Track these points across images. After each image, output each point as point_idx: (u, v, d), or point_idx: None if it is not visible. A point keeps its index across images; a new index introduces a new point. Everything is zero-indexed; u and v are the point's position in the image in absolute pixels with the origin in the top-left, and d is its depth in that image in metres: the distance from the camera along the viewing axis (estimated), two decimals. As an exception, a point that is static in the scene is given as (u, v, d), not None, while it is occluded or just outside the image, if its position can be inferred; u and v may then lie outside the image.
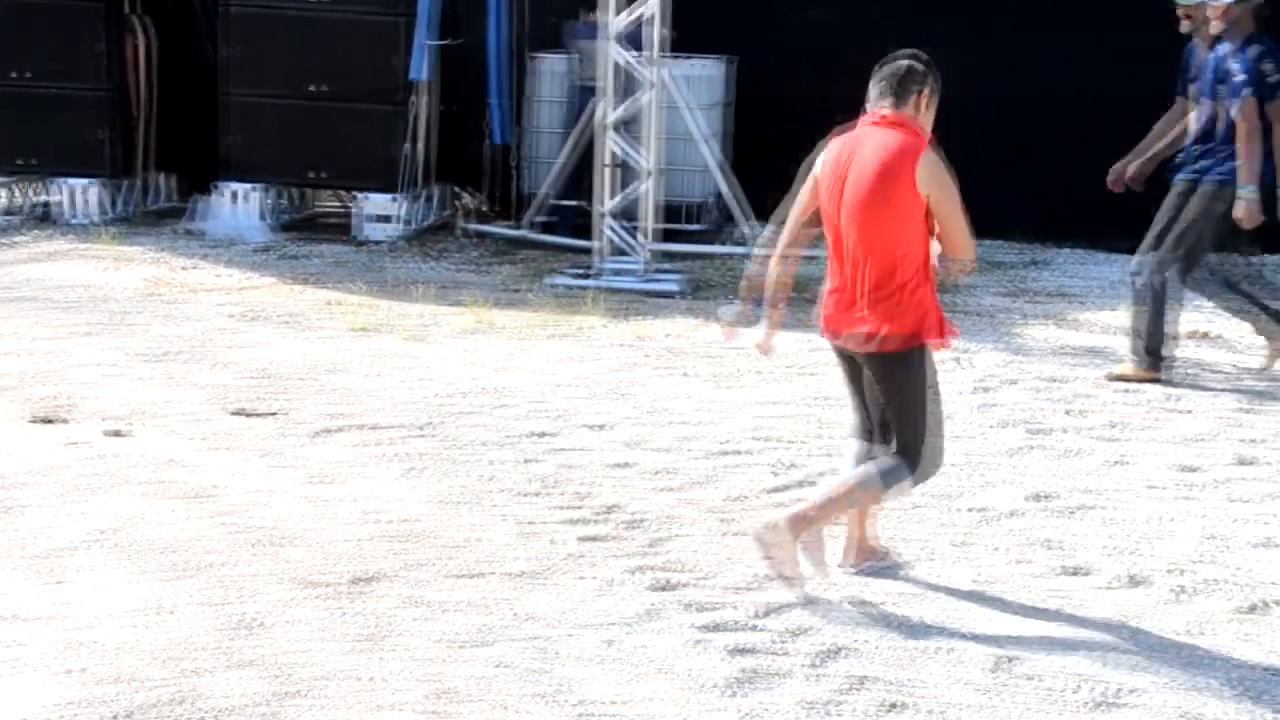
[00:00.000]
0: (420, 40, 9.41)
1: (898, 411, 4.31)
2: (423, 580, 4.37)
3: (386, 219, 9.66)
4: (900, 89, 4.26)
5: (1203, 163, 6.68)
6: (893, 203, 4.16)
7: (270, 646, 3.87)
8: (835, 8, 9.97)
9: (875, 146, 4.21)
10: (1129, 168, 7.03)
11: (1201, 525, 5.03)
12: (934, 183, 4.17)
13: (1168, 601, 4.41)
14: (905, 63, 4.30)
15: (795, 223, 4.42)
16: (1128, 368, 6.86)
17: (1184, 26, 6.73)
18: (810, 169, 4.40)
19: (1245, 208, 6.54)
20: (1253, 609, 4.34)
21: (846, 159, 4.25)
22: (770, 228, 4.55)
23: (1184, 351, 7.33)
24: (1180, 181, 6.79)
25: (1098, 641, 4.10)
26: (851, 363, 4.43)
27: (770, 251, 4.48)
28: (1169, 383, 6.77)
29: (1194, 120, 6.74)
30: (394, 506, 4.97)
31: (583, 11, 9.32)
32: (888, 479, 4.28)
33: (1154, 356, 6.77)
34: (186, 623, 4.00)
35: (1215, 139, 6.63)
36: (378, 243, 9.61)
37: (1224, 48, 6.59)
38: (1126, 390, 6.67)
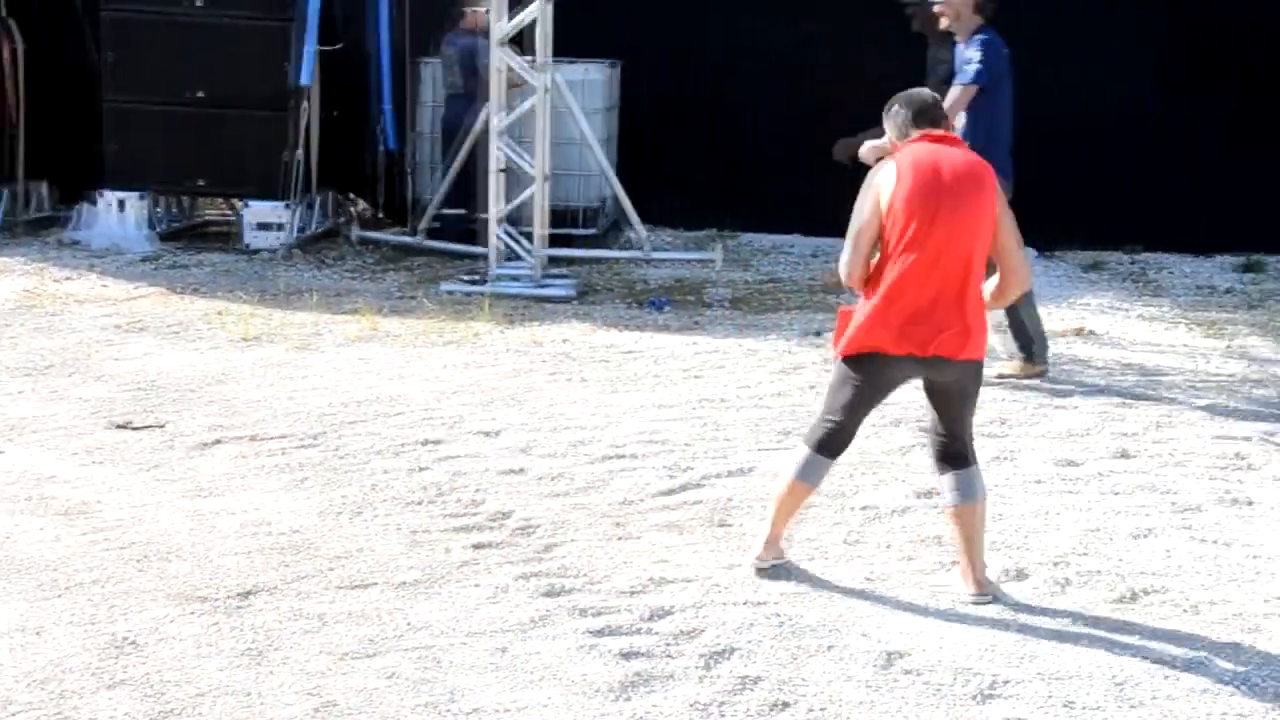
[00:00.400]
0: (311, 46, 9.28)
1: (967, 415, 4.37)
2: (308, 592, 4.29)
3: (275, 227, 9.51)
4: (938, 114, 4.40)
5: None
6: (985, 212, 4.21)
7: (147, 665, 3.78)
8: (721, 11, 10.03)
9: (962, 160, 4.25)
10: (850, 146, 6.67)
11: (1082, 518, 5.13)
12: (1003, 201, 4.28)
13: (1050, 593, 4.49)
14: (929, 94, 4.45)
15: (870, 250, 4.27)
16: (1012, 366, 6.98)
17: (915, 25, 6.83)
18: (873, 195, 4.24)
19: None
20: (1132, 598, 4.44)
21: (936, 171, 4.18)
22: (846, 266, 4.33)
23: (1067, 348, 7.48)
24: None
25: (982, 635, 4.16)
26: (887, 381, 4.33)
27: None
28: (1052, 379, 6.90)
29: None
30: (280, 518, 4.89)
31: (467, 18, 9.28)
32: (980, 489, 4.40)
33: (1028, 353, 6.88)
34: (59, 643, 3.89)
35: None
36: (269, 251, 9.45)
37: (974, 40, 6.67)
38: (1011, 387, 6.78)
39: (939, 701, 3.75)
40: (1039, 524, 5.07)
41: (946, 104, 6.52)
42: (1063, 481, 5.53)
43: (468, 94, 8.91)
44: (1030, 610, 4.35)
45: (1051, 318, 8.04)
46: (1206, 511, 5.21)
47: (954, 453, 4.38)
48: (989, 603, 4.35)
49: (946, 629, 4.19)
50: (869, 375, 4.31)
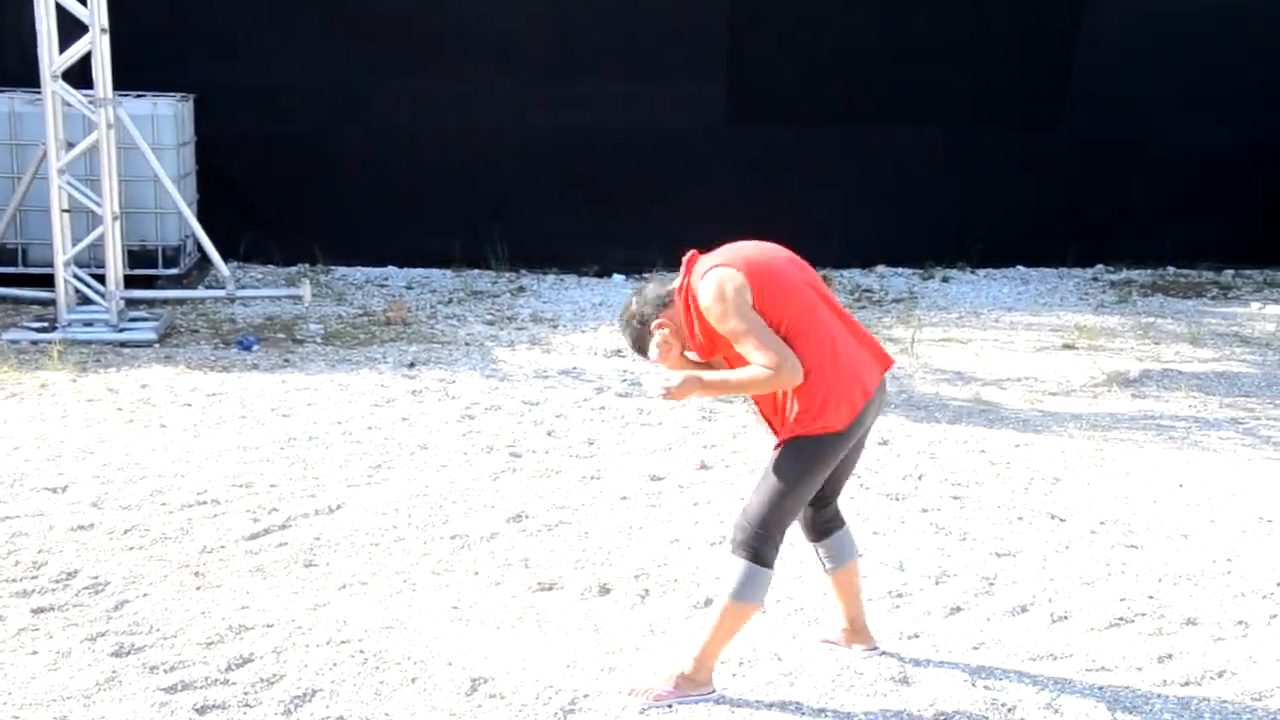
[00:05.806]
0: None
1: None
2: None
3: None
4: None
5: None
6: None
7: None
8: (298, 46, 9.86)
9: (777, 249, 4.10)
10: None
11: (665, 530, 5.33)
12: None
13: (632, 605, 4.63)
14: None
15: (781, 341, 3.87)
16: None
17: None
18: (743, 302, 3.83)
19: None
20: (706, 604, 4.63)
21: (781, 259, 3.99)
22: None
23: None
24: None
25: (567, 652, 4.24)
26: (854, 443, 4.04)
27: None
28: (639, 396, 7.15)
29: None
30: None
31: None
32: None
33: None
34: None
35: None
36: None
37: None
38: (601, 408, 6.97)
39: (522, 722, 3.79)
40: (624, 539, 5.22)
41: None
42: (648, 496, 5.73)
43: None
44: (613, 623, 4.48)
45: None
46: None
47: (835, 512, 4.24)
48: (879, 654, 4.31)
49: (531, 650, 4.25)
50: (848, 442, 3.94)
